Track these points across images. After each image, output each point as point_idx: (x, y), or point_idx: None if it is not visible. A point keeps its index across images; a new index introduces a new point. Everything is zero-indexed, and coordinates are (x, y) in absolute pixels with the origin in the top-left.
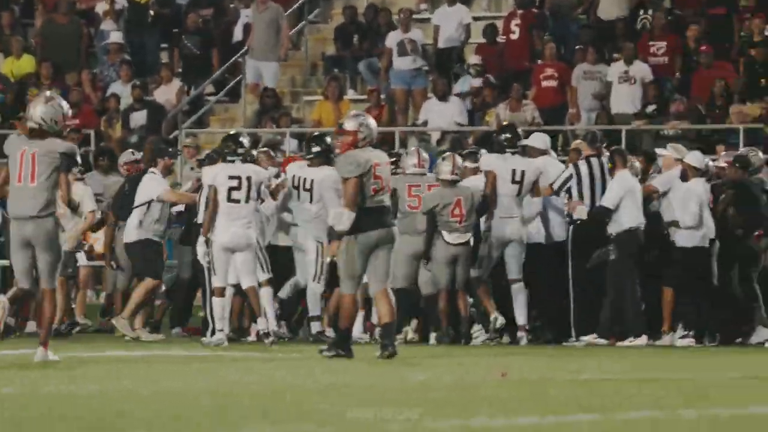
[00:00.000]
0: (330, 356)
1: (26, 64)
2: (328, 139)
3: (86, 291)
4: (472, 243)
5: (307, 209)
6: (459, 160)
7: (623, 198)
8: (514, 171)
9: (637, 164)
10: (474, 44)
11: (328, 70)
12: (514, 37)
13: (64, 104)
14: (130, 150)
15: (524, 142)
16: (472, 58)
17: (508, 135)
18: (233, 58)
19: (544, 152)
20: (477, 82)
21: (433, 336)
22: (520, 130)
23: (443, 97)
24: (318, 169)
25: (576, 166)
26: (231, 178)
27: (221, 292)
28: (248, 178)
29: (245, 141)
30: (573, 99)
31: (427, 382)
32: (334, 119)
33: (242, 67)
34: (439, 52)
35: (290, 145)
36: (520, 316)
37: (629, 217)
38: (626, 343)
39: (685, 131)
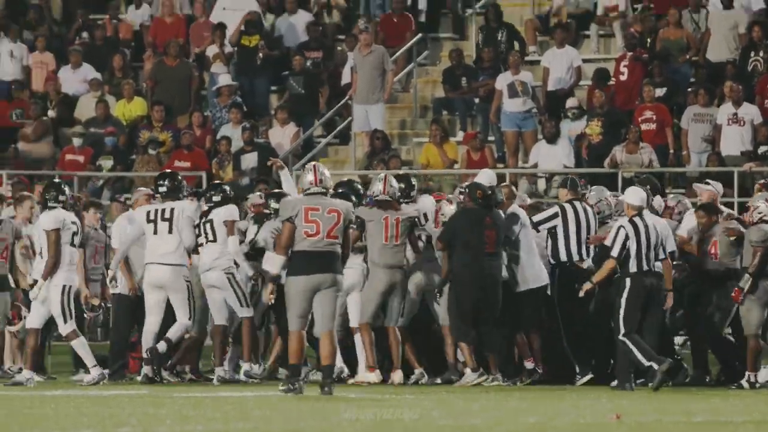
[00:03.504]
0: (284, 392)
1: (137, 107)
2: (179, 177)
3: None
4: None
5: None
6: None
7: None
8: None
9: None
10: (584, 86)
11: (437, 111)
12: (623, 78)
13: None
14: (258, 193)
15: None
16: (569, 101)
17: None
18: (341, 102)
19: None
20: (577, 125)
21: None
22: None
23: (552, 139)
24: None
25: (562, 207)
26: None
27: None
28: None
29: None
30: (684, 141)
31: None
32: (441, 162)
33: (351, 109)
34: (548, 94)
35: None
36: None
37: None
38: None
39: None
